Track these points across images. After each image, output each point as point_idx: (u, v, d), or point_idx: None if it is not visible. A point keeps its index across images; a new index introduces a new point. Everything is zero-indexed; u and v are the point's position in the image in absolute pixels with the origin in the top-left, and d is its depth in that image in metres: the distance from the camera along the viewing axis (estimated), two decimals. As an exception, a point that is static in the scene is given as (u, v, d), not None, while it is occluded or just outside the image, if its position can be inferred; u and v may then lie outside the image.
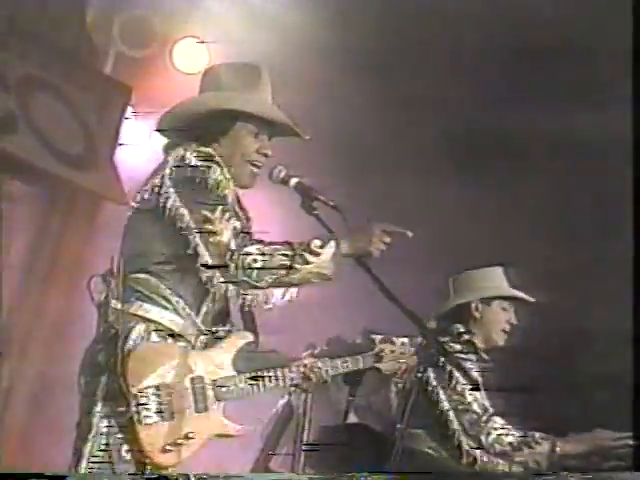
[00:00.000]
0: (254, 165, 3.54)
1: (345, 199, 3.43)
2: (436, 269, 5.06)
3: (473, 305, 4.67)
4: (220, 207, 3.27)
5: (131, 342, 3.22)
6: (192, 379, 3.26)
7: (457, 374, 4.25)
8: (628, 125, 4.91)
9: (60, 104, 5.98)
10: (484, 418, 4.32)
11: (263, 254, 3.21)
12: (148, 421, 3.13)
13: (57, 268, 5.99)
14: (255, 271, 3.19)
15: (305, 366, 3.45)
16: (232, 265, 3.21)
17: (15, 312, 5.82)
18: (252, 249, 3.22)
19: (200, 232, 3.23)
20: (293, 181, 3.49)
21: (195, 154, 3.36)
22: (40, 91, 5.89)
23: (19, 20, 5.72)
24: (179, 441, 3.16)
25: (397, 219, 3.34)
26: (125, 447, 3.16)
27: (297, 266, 3.21)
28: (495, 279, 4.76)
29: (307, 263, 3.22)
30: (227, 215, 3.27)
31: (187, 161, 3.34)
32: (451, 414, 4.33)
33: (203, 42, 6.11)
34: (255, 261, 3.19)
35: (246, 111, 3.50)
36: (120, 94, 6.15)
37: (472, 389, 4.23)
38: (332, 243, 3.26)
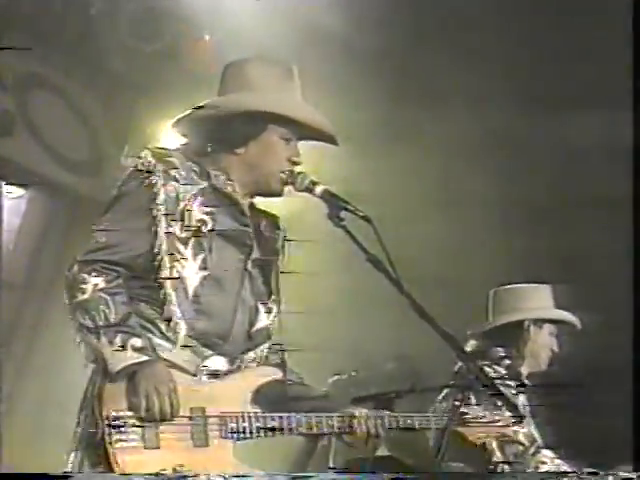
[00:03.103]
0: (284, 173, 3.44)
1: (373, 210, 3.41)
2: (471, 283, 5.01)
3: (525, 325, 4.61)
4: None
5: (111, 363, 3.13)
6: (192, 409, 3.17)
7: (499, 402, 4.19)
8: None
9: (62, 103, 6.01)
10: (531, 450, 4.28)
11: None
12: (122, 445, 3.04)
13: (59, 281, 5.98)
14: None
15: (352, 417, 3.34)
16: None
17: (14, 326, 5.83)
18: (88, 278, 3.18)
19: None
20: (319, 189, 3.40)
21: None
22: (40, 89, 5.92)
23: (18, 13, 5.74)
24: (163, 471, 3.06)
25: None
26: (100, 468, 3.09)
27: None
28: (544, 299, 4.69)
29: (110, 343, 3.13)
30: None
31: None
32: (494, 445, 4.25)
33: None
34: (83, 292, 3.16)
35: (281, 114, 3.41)
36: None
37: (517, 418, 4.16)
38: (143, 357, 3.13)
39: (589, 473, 3.95)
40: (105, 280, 3.20)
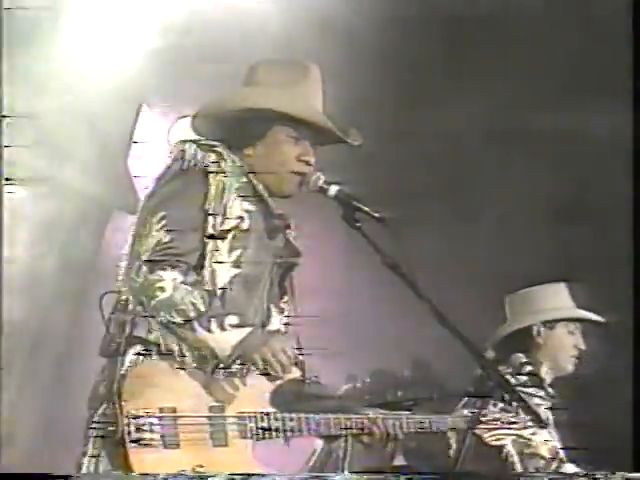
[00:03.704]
0: (295, 173, 3.40)
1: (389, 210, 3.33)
2: (492, 287, 4.96)
3: (534, 330, 4.52)
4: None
5: (130, 358, 3.13)
6: (211, 408, 3.16)
7: (521, 412, 4.11)
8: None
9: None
10: (554, 465, 4.20)
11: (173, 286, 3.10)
12: (141, 444, 3.02)
13: (65, 282, 5.98)
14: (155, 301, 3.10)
15: (368, 418, 3.31)
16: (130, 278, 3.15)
17: (20, 328, 5.79)
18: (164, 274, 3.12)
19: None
20: (333, 189, 3.36)
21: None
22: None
23: None
24: (183, 471, 3.05)
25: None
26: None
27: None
28: (559, 298, 4.59)
29: (208, 331, 3.12)
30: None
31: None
32: (515, 459, 4.17)
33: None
34: (162, 290, 3.11)
35: (283, 112, 3.36)
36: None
37: (539, 429, 4.08)
38: (246, 329, 3.15)
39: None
40: (180, 272, 3.15)
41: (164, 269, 3.13)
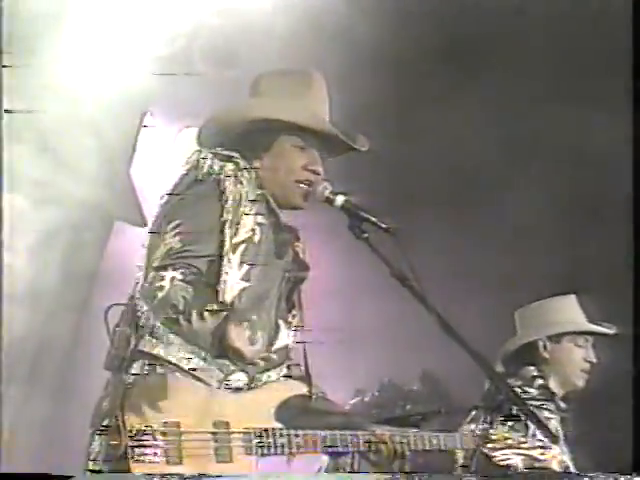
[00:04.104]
0: (303, 183, 3.36)
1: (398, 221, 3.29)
2: (503, 300, 4.92)
3: (540, 344, 4.48)
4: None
5: (134, 372, 3.09)
6: (215, 424, 3.12)
7: (532, 426, 4.07)
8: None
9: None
10: (565, 480, 4.14)
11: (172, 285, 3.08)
12: (144, 460, 2.99)
13: (67, 293, 5.95)
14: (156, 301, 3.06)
15: (376, 435, 3.29)
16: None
17: (21, 340, 5.77)
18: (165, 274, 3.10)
19: None
20: (339, 199, 3.32)
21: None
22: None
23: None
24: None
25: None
26: None
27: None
28: (566, 311, 4.55)
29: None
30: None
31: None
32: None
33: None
34: (161, 289, 3.07)
35: (288, 120, 3.33)
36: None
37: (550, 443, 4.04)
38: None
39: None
40: (182, 272, 3.11)
41: (166, 269, 3.11)
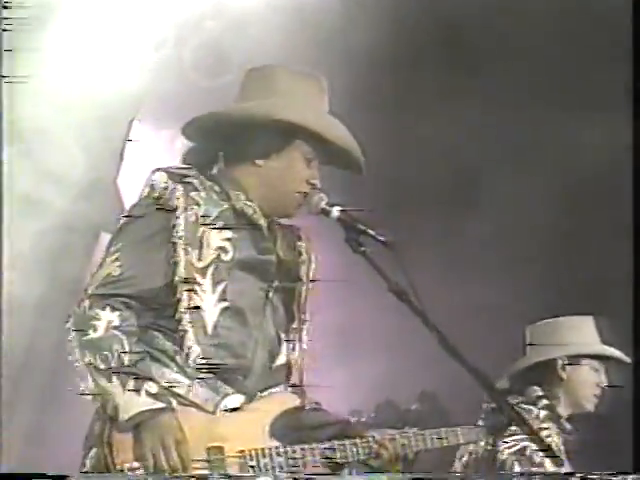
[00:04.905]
0: (299, 193, 3.26)
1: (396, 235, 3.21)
2: (509, 317, 4.88)
3: (559, 363, 4.43)
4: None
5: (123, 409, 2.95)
6: (209, 449, 3.02)
7: (534, 446, 4.01)
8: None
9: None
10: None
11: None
12: None
13: (51, 305, 5.88)
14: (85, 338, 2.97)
15: (375, 440, 3.21)
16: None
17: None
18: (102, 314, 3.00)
19: None
20: (335, 211, 3.22)
21: None
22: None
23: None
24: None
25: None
26: None
27: None
28: (585, 332, 4.50)
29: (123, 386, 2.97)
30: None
31: None
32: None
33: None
34: (94, 329, 2.98)
35: (314, 131, 3.23)
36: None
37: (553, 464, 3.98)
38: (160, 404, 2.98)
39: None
40: (120, 317, 3.01)
41: (104, 308, 3.01)
